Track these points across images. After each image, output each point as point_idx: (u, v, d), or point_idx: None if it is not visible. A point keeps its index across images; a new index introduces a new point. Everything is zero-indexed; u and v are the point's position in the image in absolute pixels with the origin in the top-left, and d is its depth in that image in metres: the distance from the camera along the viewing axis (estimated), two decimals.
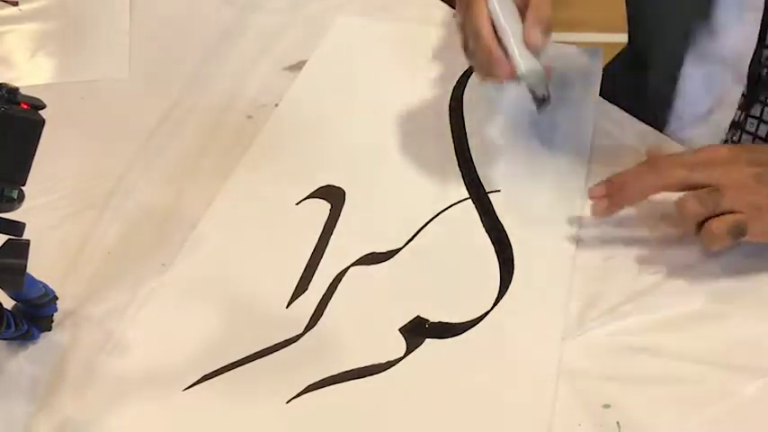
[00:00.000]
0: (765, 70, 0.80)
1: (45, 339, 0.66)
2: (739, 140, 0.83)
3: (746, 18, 0.79)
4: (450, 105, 0.88)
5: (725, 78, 0.85)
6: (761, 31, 0.79)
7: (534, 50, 0.71)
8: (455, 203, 0.77)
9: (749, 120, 0.83)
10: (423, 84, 0.92)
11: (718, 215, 0.66)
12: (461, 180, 0.80)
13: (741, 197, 0.66)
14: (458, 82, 0.90)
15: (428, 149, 0.84)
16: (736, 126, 0.85)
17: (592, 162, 0.81)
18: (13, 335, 0.63)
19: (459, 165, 0.81)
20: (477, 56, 0.73)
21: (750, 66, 0.81)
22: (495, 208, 0.76)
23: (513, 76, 0.71)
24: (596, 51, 0.95)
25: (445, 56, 0.95)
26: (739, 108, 0.84)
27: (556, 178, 0.79)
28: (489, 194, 0.78)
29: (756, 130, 0.83)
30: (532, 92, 0.72)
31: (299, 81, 0.94)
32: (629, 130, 0.85)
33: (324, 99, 0.91)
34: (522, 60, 0.71)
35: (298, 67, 0.96)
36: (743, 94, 0.83)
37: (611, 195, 0.70)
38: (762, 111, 0.81)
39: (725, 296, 0.68)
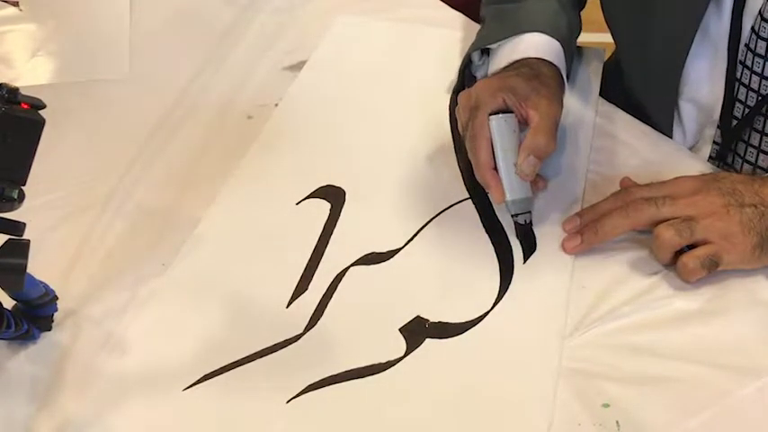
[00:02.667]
0: (735, 122, 0.81)
1: (45, 339, 0.66)
2: None
3: (716, 71, 0.80)
4: (450, 105, 0.88)
5: (688, 127, 0.86)
6: (726, 84, 0.80)
7: (524, 178, 0.73)
8: (455, 203, 0.77)
9: (723, 167, 0.83)
10: (422, 84, 0.92)
11: (692, 246, 0.67)
12: (461, 180, 0.80)
13: (714, 226, 0.67)
14: (458, 82, 0.90)
15: (428, 149, 0.84)
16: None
17: (592, 162, 0.81)
18: (14, 335, 0.63)
19: (459, 165, 0.81)
20: (474, 171, 0.76)
21: (721, 118, 0.82)
22: (494, 208, 0.77)
23: (503, 200, 0.73)
24: (596, 51, 0.95)
25: (445, 56, 0.95)
26: (714, 158, 0.84)
27: (556, 178, 0.79)
28: (489, 194, 0.78)
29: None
30: (515, 219, 0.74)
31: (298, 81, 0.94)
32: (629, 130, 0.85)
33: (324, 99, 0.91)
34: (509, 191, 0.73)
35: (298, 67, 0.96)
36: (714, 141, 0.84)
37: (583, 233, 0.72)
38: (734, 158, 0.82)
39: (723, 297, 0.68)
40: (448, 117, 0.87)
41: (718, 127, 0.82)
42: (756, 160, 0.80)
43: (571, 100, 0.88)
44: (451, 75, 0.91)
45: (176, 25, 1.05)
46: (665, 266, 0.70)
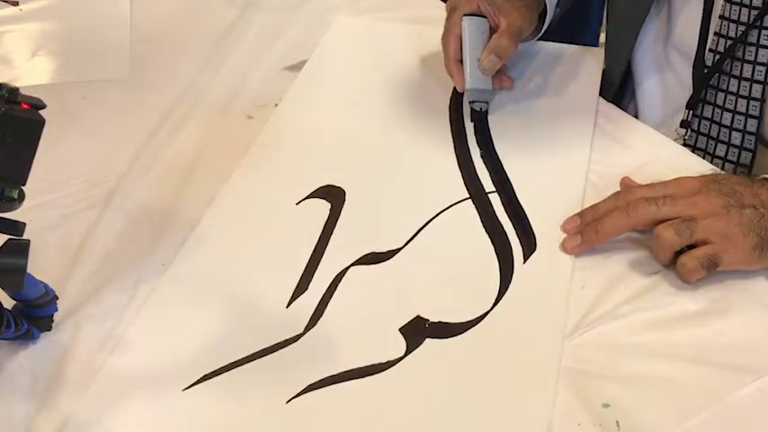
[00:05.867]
0: (706, 69, 0.83)
1: (45, 339, 0.66)
2: (695, 143, 0.87)
3: (692, 12, 0.85)
4: (450, 105, 0.88)
5: (682, 77, 0.88)
6: (702, 27, 0.84)
7: (484, 73, 0.85)
8: (455, 203, 0.77)
9: (703, 122, 0.86)
10: (423, 83, 0.92)
11: (692, 246, 0.68)
12: (461, 180, 0.80)
13: (713, 226, 0.67)
14: None
15: (428, 149, 0.84)
16: (685, 125, 0.87)
17: (592, 162, 0.81)
18: (14, 335, 0.63)
19: (459, 165, 0.81)
20: (444, 62, 0.88)
21: (695, 62, 0.85)
22: (494, 208, 0.77)
23: (464, 88, 0.86)
24: (596, 51, 0.95)
25: None
26: (687, 107, 0.87)
27: (556, 178, 0.79)
28: (489, 194, 0.78)
29: (709, 131, 0.86)
30: (471, 105, 0.86)
31: (299, 81, 0.94)
32: (629, 130, 0.85)
33: (324, 99, 0.91)
34: (470, 79, 0.85)
35: (298, 67, 0.96)
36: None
37: (583, 233, 0.72)
38: (713, 112, 0.85)
39: (723, 297, 0.68)
40: (448, 117, 0.87)
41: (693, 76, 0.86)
42: (735, 106, 0.82)
43: (571, 100, 0.88)
44: None
45: (176, 25, 1.05)
46: (665, 266, 0.70)
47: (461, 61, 0.86)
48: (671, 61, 0.90)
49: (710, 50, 0.83)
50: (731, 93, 0.82)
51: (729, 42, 0.81)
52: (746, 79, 0.81)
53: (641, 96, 0.93)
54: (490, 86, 0.86)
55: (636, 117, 0.94)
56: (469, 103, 0.86)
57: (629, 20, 0.90)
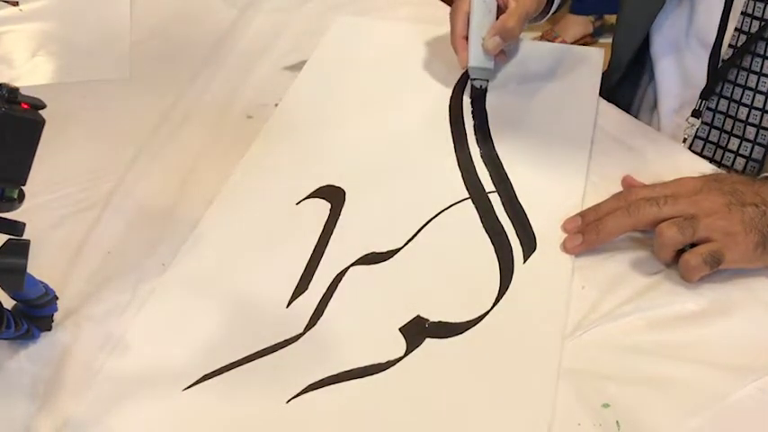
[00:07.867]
0: (721, 63, 0.84)
1: (46, 339, 0.66)
2: (707, 136, 0.88)
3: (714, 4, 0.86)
4: (450, 105, 0.88)
5: (701, 64, 0.88)
6: (721, 21, 0.84)
7: (487, 52, 0.86)
8: (455, 203, 0.77)
9: (717, 116, 0.87)
10: (423, 83, 0.92)
11: (694, 244, 0.68)
12: (461, 180, 0.80)
13: (715, 224, 0.68)
14: (458, 82, 0.90)
15: (428, 149, 0.84)
16: (696, 114, 0.88)
17: (592, 162, 0.81)
18: (14, 335, 0.63)
19: (458, 164, 0.81)
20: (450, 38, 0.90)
21: (711, 52, 0.86)
22: (494, 208, 0.77)
23: (466, 65, 0.87)
24: (596, 51, 0.95)
25: (445, 56, 0.95)
26: (700, 96, 0.88)
27: (556, 178, 0.79)
28: (489, 194, 0.78)
29: (723, 124, 0.87)
30: (472, 83, 0.89)
31: (298, 81, 0.94)
32: (629, 131, 0.85)
33: (324, 99, 0.91)
34: (472, 57, 0.87)
35: (298, 67, 0.96)
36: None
37: (584, 233, 0.72)
38: (728, 106, 0.86)
39: (723, 297, 0.68)
40: (448, 117, 0.87)
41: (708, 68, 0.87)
42: (752, 101, 0.83)
43: (571, 100, 0.88)
44: (452, 74, 0.91)
45: (176, 25, 1.05)
46: (666, 266, 0.70)
47: (467, 38, 0.87)
48: (691, 46, 0.90)
49: (730, 46, 0.84)
50: (749, 88, 0.83)
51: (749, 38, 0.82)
52: (766, 75, 0.82)
53: (660, 75, 0.94)
54: (492, 65, 0.88)
55: (654, 102, 0.95)
56: (471, 80, 0.89)
57: (647, 2, 0.91)
